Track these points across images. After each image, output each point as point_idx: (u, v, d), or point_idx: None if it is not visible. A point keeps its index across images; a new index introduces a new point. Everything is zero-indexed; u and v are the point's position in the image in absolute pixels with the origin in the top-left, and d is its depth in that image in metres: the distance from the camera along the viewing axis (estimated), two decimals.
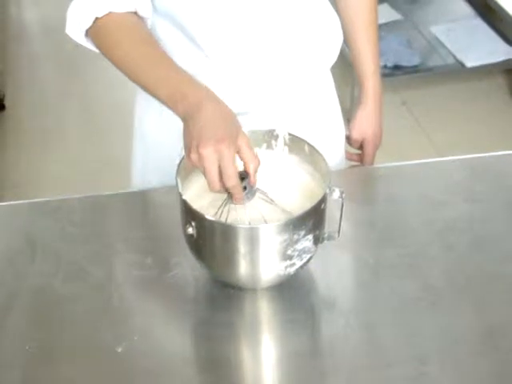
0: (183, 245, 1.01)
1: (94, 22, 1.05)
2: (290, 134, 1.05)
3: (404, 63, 2.74)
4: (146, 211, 1.20)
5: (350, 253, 1.10)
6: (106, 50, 1.07)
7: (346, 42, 1.28)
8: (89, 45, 1.10)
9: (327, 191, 0.97)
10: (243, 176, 0.94)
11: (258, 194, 0.98)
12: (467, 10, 3.07)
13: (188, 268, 1.06)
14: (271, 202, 1.00)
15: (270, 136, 1.06)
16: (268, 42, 1.13)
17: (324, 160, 1.02)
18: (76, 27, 1.07)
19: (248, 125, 1.16)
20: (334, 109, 1.32)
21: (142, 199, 1.22)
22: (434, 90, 2.88)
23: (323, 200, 0.96)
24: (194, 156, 0.91)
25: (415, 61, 2.79)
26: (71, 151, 2.77)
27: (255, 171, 0.94)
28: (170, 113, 1.23)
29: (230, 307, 1.02)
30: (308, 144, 1.04)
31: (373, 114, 1.33)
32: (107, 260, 1.09)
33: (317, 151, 1.03)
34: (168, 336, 0.99)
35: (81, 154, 2.74)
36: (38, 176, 2.64)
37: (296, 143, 1.05)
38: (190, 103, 0.95)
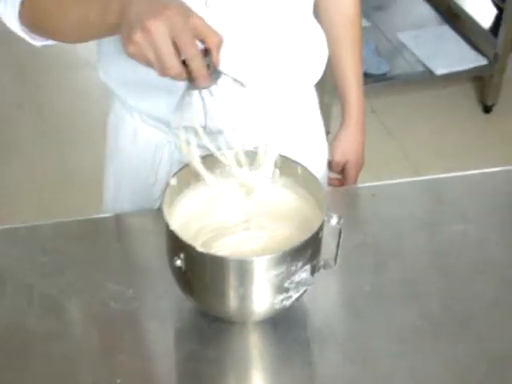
0: (166, 274, 0.94)
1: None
2: (281, 156, 0.99)
3: (373, 71, 2.70)
4: (124, 238, 1.12)
5: (344, 279, 1.04)
6: (36, 18, 0.94)
7: (330, 58, 1.22)
8: (22, 33, 0.98)
9: (325, 218, 0.90)
10: (204, 53, 0.80)
11: (224, 77, 0.85)
12: (434, 16, 3.05)
13: (173, 299, 0.98)
14: (242, 84, 0.90)
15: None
16: (252, 58, 1.06)
17: (319, 183, 0.96)
18: (9, 6, 0.95)
19: (231, 142, 1.10)
20: (317, 127, 1.26)
21: (118, 224, 1.14)
22: (403, 97, 2.85)
23: (321, 228, 0.90)
24: (138, 35, 0.76)
25: (384, 68, 2.75)
26: (33, 164, 2.66)
27: (218, 47, 0.81)
28: (144, 132, 1.16)
29: (219, 342, 0.95)
30: (301, 166, 0.97)
31: (356, 135, 1.28)
32: (84, 293, 1.00)
33: (311, 174, 0.97)
34: (153, 377, 0.92)
35: (43, 168, 2.63)
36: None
37: (288, 165, 0.99)
38: (117, 0, 0.82)
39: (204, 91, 0.86)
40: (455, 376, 0.92)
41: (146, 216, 1.14)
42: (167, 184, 0.93)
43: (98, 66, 1.14)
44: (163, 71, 0.79)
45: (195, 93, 0.86)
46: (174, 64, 0.78)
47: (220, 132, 1.00)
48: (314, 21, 1.17)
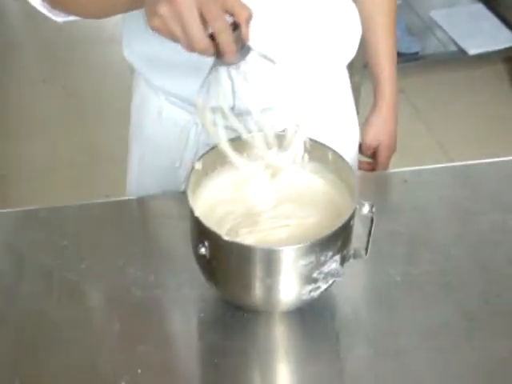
0: (190, 261, 0.90)
1: None
2: (311, 140, 0.94)
3: (403, 50, 2.62)
4: (147, 221, 1.09)
5: (375, 269, 1.00)
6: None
7: (364, 40, 1.16)
8: (43, 9, 0.95)
9: (356, 206, 0.86)
10: (233, 27, 0.76)
11: (254, 54, 0.80)
12: None
13: (196, 287, 0.95)
14: (272, 61, 0.85)
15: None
16: (284, 35, 1.02)
17: (350, 169, 0.91)
18: None
19: (260, 123, 1.05)
20: (348, 108, 1.21)
21: (141, 207, 1.11)
22: (433, 77, 2.78)
23: (352, 216, 0.85)
24: (164, 9, 0.73)
25: (415, 48, 2.68)
26: (56, 141, 2.63)
27: (247, 21, 0.76)
28: (169, 113, 1.12)
29: (244, 333, 0.92)
30: (332, 151, 0.93)
31: (389, 118, 1.22)
32: (105, 278, 0.97)
33: (342, 159, 0.92)
34: (175, 368, 0.88)
35: (67, 145, 2.60)
36: (21, 166, 2.51)
37: (318, 150, 0.94)
38: None
39: (232, 68, 0.81)
40: (491, 375, 0.88)
41: (170, 199, 1.10)
42: (192, 168, 0.89)
43: (122, 43, 1.10)
44: (189, 45, 0.75)
45: (223, 70, 0.81)
46: (201, 37, 0.74)
47: (248, 113, 0.96)
48: (349, 0, 1.11)
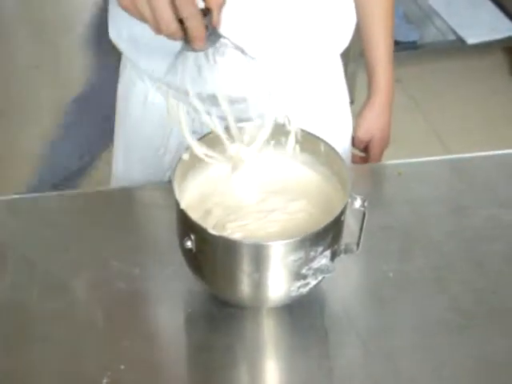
0: (177, 253, 0.87)
1: None
2: (302, 131, 0.91)
3: (401, 38, 2.59)
4: (132, 212, 1.05)
5: (366, 265, 0.97)
6: None
7: (359, 28, 1.13)
8: None
9: (348, 200, 0.83)
10: (204, 13, 0.74)
11: (223, 41, 0.78)
12: None
13: (183, 281, 0.92)
14: (243, 52, 0.82)
15: (279, 132, 0.92)
16: (276, 22, 0.98)
17: (343, 162, 0.88)
18: None
19: (249, 113, 1.01)
20: (342, 99, 1.17)
21: (126, 198, 1.08)
22: (431, 67, 2.74)
23: (344, 211, 0.83)
24: (125, 2, 0.71)
25: (413, 36, 2.64)
26: (48, 129, 2.59)
27: (219, 7, 0.74)
28: (155, 99, 1.09)
29: (231, 329, 0.89)
30: (325, 143, 0.90)
31: (383, 111, 1.18)
32: (89, 271, 0.94)
33: (335, 152, 0.89)
34: (160, 364, 0.86)
35: None
36: (11, 152, 2.48)
37: (310, 141, 0.91)
38: None
39: (200, 54, 0.78)
40: (485, 374, 0.85)
41: (156, 189, 1.07)
42: (179, 158, 0.86)
43: (108, 25, 1.07)
44: (157, 28, 0.72)
45: (190, 54, 0.78)
46: (170, 21, 0.71)
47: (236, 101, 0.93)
48: None
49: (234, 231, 0.84)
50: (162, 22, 0.71)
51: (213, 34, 0.76)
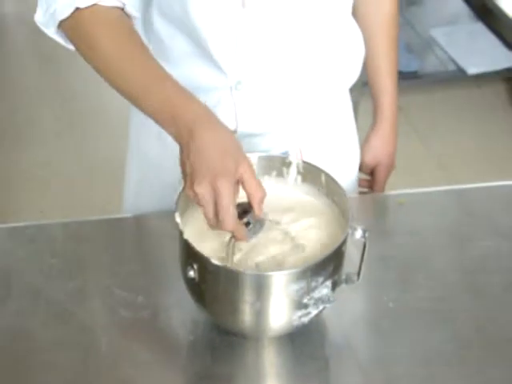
0: (180, 282, 0.88)
1: (73, 12, 0.89)
2: (304, 162, 0.93)
3: (402, 68, 2.60)
4: (138, 241, 1.07)
5: (367, 295, 0.98)
6: (83, 47, 0.92)
7: (365, 60, 1.15)
8: (58, 38, 0.94)
9: (349, 231, 0.84)
10: (246, 209, 0.83)
11: (268, 224, 0.87)
12: (468, 13, 2.96)
13: (185, 309, 0.93)
14: (284, 233, 0.89)
15: (281, 163, 0.94)
16: (287, 59, 1.01)
17: (343, 193, 0.90)
18: (48, 16, 0.91)
19: (262, 146, 1.03)
20: (350, 130, 1.20)
21: (133, 226, 1.09)
22: (432, 96, 2.77)
23: (344, 241, 0.84)
24: (190, 193, 0.81)
25: (414, 66, 2.67)
26: (52, 154, 2.61)
27: (260, 203, 0.82)
28: (169, 135, 1.10)
29: (233, 357, 0.90)
30: (325, 174, 0.92)
31: (388, 137, 1.22)
32: (93, 298, 0.96)
33: (335, 182, 0.90)
34: None
35: (62, 158, 2.58)
36: (13, 177, 2.49)
37: (311, 172, 0.93)
38: (181, 127, 0.83)
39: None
40: None
41: (163, 218, 1.07)
42: (182, 188, 0.87)
43: None
44: (216, 226, 0.81)
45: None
46: (214, 225, 0.81)
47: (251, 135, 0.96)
48: (353, 21, 1.10)
49: (236, 260, 0.85)
50: (224, 224, 0.79)
51: (255, 225, 0.84)
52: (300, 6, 0.97)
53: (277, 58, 1.00)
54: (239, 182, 0.81)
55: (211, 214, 0.80)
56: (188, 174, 0.81)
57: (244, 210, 0.83)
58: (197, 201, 0.81)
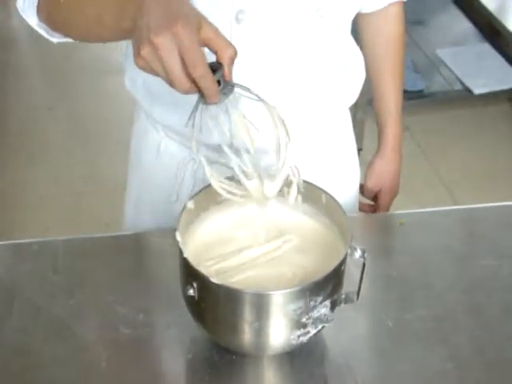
0: (180, 299, 0.89)
1: None
2: (304, 182, 0.94)
3: (408, 87, 2.62)
4: (139, 258, 1.07)
5: (366, 314, 0.98)
6: (55, 9, 0.90)
7: (370, 81, 1.16)
8: (40, 29, 0.96)
9: (348, 251, 0.85)
10: (215, 68, 0.76)
11: (238, 91, 0.80)
12: (474, 33, 2.97)
13: (185, 327, 0.93)
14: (258, 99, 0.82)
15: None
16: (284, 78, 1.01)
17: (343, 213, 0.90)
18: (28, 6, 0.92)
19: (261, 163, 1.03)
20: (350, 150, 1.20)
21: (135, 243, 1.10)
22: (438, 116, 2.77)
23: (344, 261, 0.84)
24: (145, 51, 0.72)
25: (420, 85, 2.68)
26: (58, 169, 2.63)
27: (231, 60, 0.75)
28: (167, 148, 1.12)
29: (232, 375, 0.90)
30: (325, 193, 0.92)
31: (392, 162, 1.22)
32: (93, 315, 0.96)
33: (335, 202, 0.91)
34: None
35: (69, 172, 2.60)
36: (20, 192, 2.51)
37: (311, 192, 0.93)
38: (133, 5, 0.77)
39: (217, 107, 0.81)
40: None
41: (163, 236, 1.08)
42: (183, 207, 0.88)
43: (125, 75, 1.10)
44: (172, 86, 0.75)
45: (212, 107, 0.81)
46: (183, 81, 0.73)
47: (245, 151, 0.95)
48: (352, 41, 1.11)
49: (236, 279, 0.86)
50: (176, 82, 0.73)
51: (226, 86, 0.78)
52: (296, 25, 0.97)
53: (277, 78, 1.00)
54: (203, 43, 0.74)
55: (176, 66, 0.72)
56: (142, 31, 0.73)
57: (213, 70, 0.75)
58: (156, 57, 0.72)
